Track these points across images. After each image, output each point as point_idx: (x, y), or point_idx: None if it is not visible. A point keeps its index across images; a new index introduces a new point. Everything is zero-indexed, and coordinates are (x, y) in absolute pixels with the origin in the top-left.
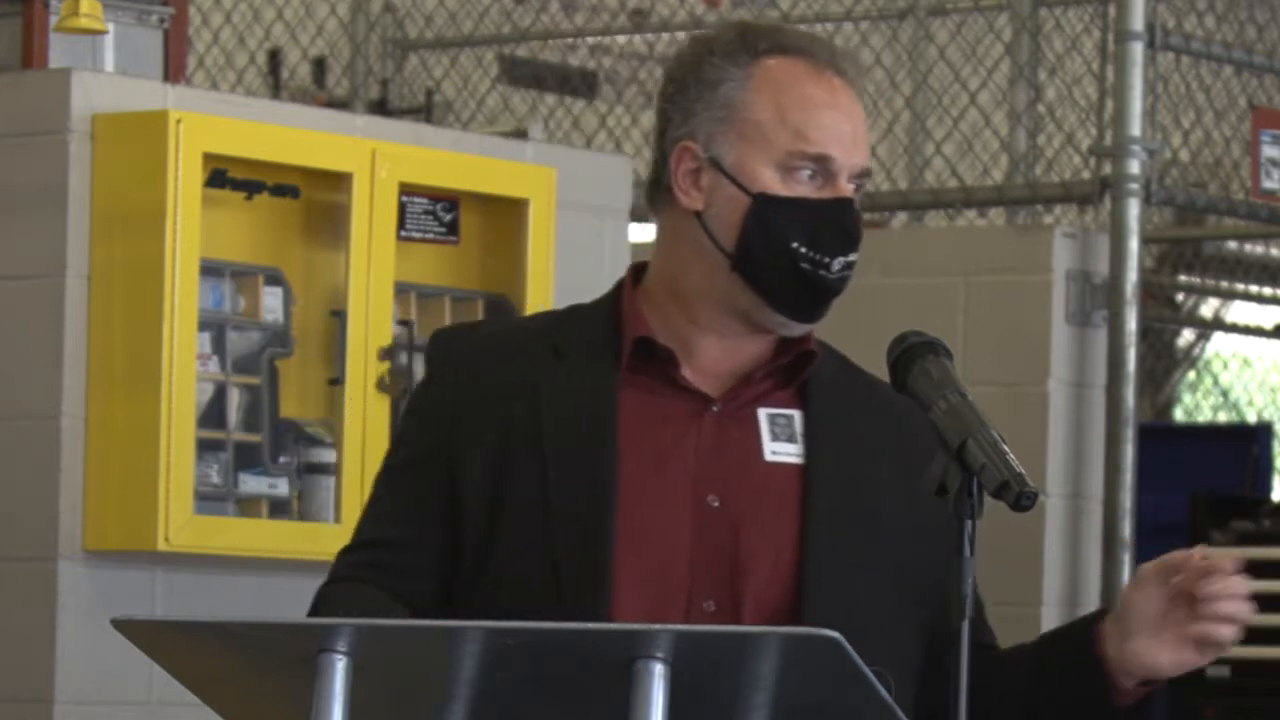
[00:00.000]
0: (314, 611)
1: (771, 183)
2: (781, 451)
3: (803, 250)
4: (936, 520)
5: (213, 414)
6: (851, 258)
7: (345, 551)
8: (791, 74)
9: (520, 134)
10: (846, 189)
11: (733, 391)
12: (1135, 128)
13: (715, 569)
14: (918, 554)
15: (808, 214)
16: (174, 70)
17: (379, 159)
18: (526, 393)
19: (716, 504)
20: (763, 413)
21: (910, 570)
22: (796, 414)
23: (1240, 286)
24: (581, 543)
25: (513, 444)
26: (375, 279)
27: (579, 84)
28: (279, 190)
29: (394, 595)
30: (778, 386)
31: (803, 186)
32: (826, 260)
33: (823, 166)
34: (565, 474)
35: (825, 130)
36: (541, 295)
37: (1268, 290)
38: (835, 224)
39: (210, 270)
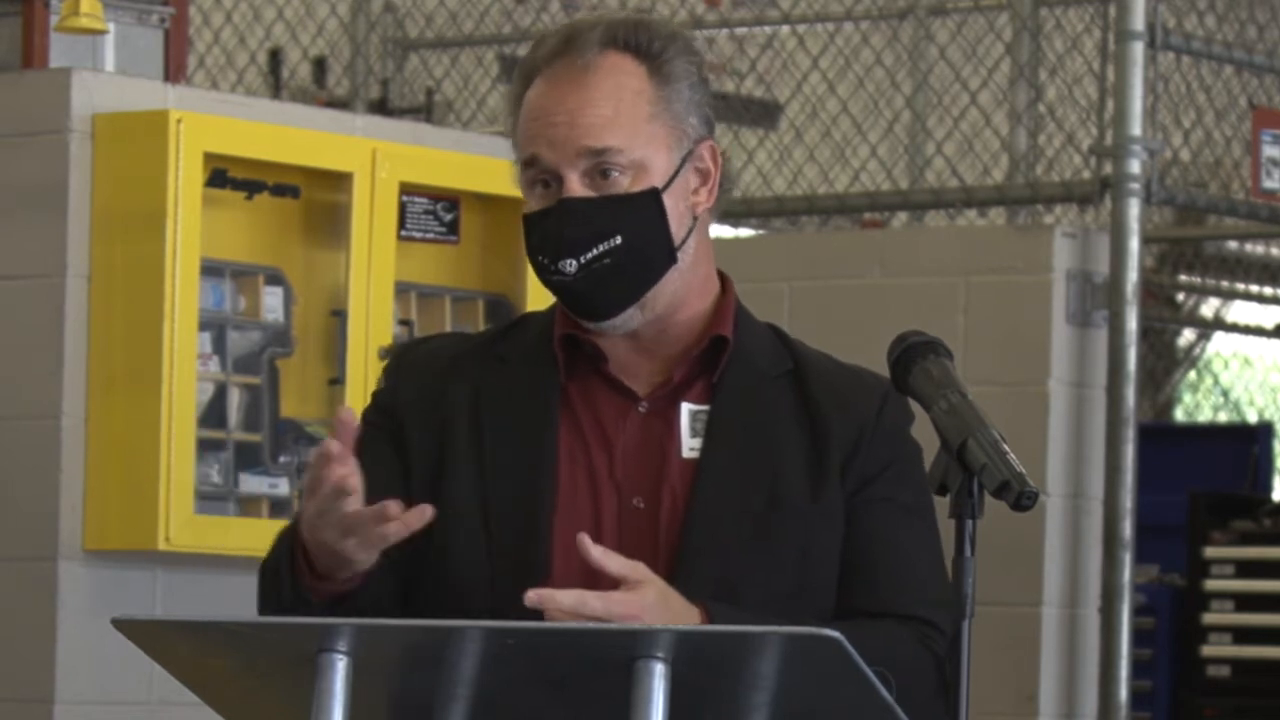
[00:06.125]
0: (274, 548)
1: (525, 203)
2: (695, 447)
3: (543, 261)
4: (840, 505)
5: (213, 414)
6: (589, 254)
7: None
8: (528, 97)
9: None
10: (574, 188)
11: (659, 388)
12: (1136, 127)
13: None
14: (823, 539)
15: (530, 227)
16: (174, 70)
17: (379, 159)
18: (468, 398)
19: (641, 505)
20: (685, 408)
21: (815, 554)
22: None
23: (1240, 286)
24: (517, 549)
25: (453, 448)
26: (375, 279)
27: None
28: (279, 190)
29: None
30: (702, 378)
31: (540, 197)
32: (554, 265)
33: (546, 172)
34: (503, 478)
35: (529, 133)
36: (541, 295)
37: (1268, 290)
38: (548, 231)
39: (210, 270)
